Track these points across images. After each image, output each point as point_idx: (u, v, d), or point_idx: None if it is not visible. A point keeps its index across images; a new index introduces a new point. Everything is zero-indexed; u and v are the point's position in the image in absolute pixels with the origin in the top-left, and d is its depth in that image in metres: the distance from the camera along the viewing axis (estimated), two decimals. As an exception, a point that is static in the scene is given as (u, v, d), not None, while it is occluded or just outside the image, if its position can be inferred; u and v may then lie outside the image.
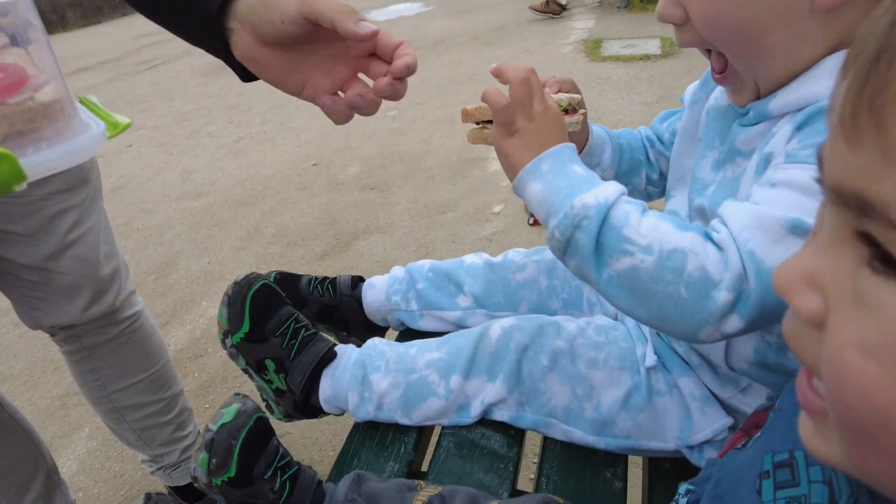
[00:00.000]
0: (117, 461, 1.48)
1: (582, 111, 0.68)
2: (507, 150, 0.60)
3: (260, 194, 2.68)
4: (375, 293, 0.91)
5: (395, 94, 0.55)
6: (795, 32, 0.50)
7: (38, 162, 0.41)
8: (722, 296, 0.47)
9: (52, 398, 1.70)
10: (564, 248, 0.55)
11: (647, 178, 0.81)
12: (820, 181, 0.26)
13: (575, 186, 0.55)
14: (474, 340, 0.74)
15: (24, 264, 0.94)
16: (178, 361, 1.73)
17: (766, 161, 0.52)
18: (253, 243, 2.29)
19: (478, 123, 0.66)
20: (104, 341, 1.07)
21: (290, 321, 0.80)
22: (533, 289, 0.86)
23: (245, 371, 0.82)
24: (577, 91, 0.74)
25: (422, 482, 0.61)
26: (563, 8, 5.02)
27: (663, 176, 0.80)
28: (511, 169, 0.60)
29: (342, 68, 0.58)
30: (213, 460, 0.59)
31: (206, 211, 2.61)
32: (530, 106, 0.59)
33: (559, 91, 0.72)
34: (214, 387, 1.64)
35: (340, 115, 0.57)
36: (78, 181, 0.94)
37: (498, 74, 0.61)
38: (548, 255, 0.88)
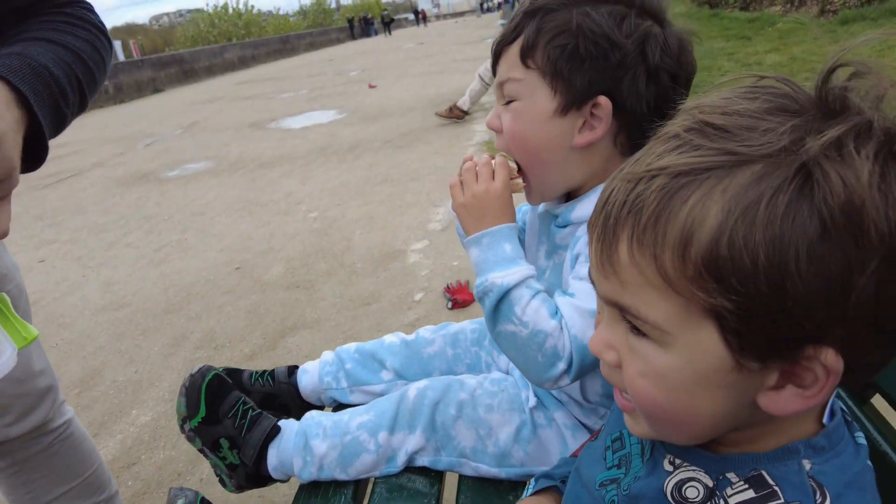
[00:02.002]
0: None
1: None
2: (461, 216, 0.82)
3: (184, 301, 2.74)
4: (309, 377, 1.07)
5: None
6: (564, 159, 0.76)
7: None
8: (561, 365, 0.71)
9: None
10: (479, 301, 0.78)
11: None
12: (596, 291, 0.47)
13: (497, 264, 0.77)
14: (396, 402, 0.91)
15: None
16: (111, 471, 1.73)
17: (575, 258, 0.76)
18: (180, 349, 2.34)
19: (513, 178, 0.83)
20: (35, 452, 1.10)
21: (239, 404, 0.94)
22: (442, 358, 1.05)
23: (201, 451, 0.94)
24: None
25: None
26: (466, 113, 5.57)
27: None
28: (464, 230, 0.82)
29: None
30: None
31: (129, 321, 2.63)
32: (475, 186, 0.81)
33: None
34: (150, 493, 1.65)
35: None
36: None
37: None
38: (452, 328, 1.08)
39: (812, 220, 0.35)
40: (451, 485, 0.91)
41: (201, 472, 1.69)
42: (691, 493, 0.44)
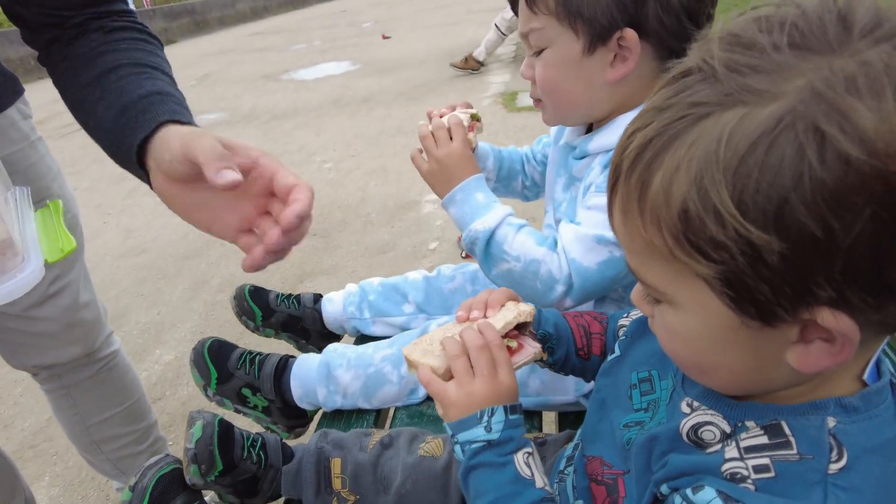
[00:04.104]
0: (82, 503, 1.53)
1: (479, 123, 0.91)
2: (431, 183, 0.86)
3: (203, 247, 2.79)
4: (334, 306, 1.10)
5: (282, 251, 0.53)
6: (596, 95, 0.77)
7: None
8: (560, 287, 0.74)
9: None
10: (470, 254, 0.82)
11: (523, 183, 1.07)
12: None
13: (474, 213, 0.81)
14: (418, 336, 0.94)
15: (7, 313, 1.02)
16: (137, 406, 1.81)
17: (587, 188, 0.78)
18: (201, 293, 2.40)
19: None
20: (84, 378, 1.17)
21: (245, 354, 0.99)
22: (461, 294, 1.07)
23: (237, 411, 0.98)
24: (471, 107, 0.95)
25: (374, 429, 0.79)
26: (481, 64, 5.46)
27: (535, 184, 1.06)
28: (437, 195, 0.85)
29: (246, 206, 0.58)
30: (202, 466, 0.72)
31: (150, 266, 2.69)
32: (436, 151, 0.84)
33: (454, 110, 0.92)
34: (176, 426, 1.73)
35: (255, 262, 0.56)
36: None
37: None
38: (471, 266, 1.10)
39: (785, 179, 0.33)
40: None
41: (223, 410, 1.75)
42: (707, 435, 0.44)
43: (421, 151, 0.87)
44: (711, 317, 0.40)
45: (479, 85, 5.11)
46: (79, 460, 1.53)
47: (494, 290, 0.66)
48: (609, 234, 0.70)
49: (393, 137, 4.02)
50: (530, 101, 0.84)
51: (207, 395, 0.98)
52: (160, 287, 2.49)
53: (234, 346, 0.99)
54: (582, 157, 0.81)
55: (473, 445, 0.55)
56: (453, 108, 0.90)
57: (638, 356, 0.59)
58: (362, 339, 1.09)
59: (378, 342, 0.98)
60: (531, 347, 0.64)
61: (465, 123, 0.86)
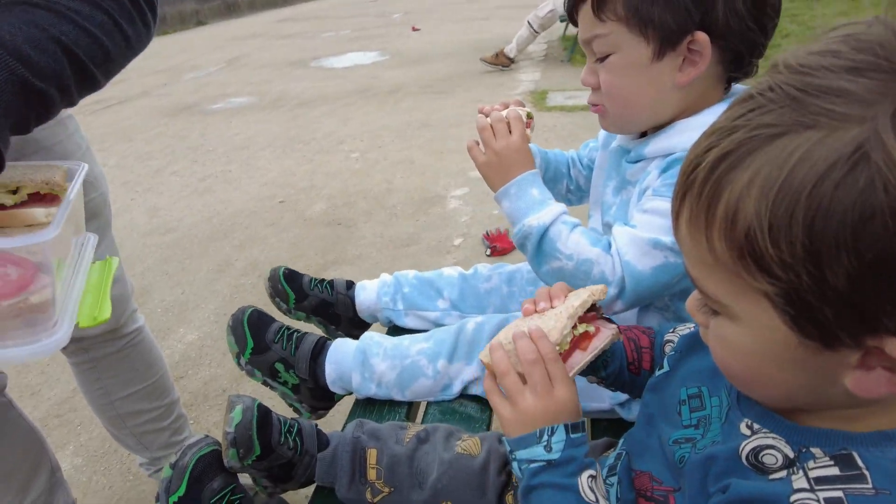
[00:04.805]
0: (104, 474, 1.56)
1: (532, 121, 0.90)
2: (486, 174, 0.85)
3: (229, 230, 2.81)
4: (367, 294, 1.11)
5: None
6: (663, 100, 0.76)
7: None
8: (612, 290, 0.73)
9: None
10: (520, 249, 0.82)
11: (567, 187, 1.06)
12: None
13: (528, 208, 0.80)
14: (455, 333, 0.94)
15: None
16: (160, 383, 1.83)
17: (643, 192, 0.77)
18: (225, 275, 2.42)
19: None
20: (109, 353, 1.19)
21: (283, 329, 0.99)
22: (497, 294, 1.07)
23: (265, 384, 0.99)
24: (524, 105, 0.95)
25: (410, 423, 0.80)
26: (512, 61, 5.43)
27: (579, 188, 1.05)
28: (490, 187, 0.85)
29: None
30: (241, 450, 0.73)
31: (175, 245, 2.71)
32: (494, 143, 0.83)
33: (508, 106, 0.91)
34: (197, 405, 1.75)
35: None
36: (89, 215, 1.03)
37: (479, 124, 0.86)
38: (509, 267, 1.09)
39: (861, 205, 0.32)
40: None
41: (244, 390, 1.77)
42: (769, 459, 0.43)
43: (478, 143, 0.87)
44: (769, 333, 0.39)
45: (509, 82, 5.08)
46: (102, 432, 1.56)
47: (554, 285, 0.65)
48: (665, 239, 0.70)
49: (419, 130, 4.02)
50: (560, 101, 0.84)
51: (239, 364, 0.99)
52: (185, 266, 2.52)
53: (273, 320, 1.00)
54: (636, 161, 0.80)
55: (533, 465, 0.54)
56: (506, 106, 0.90)
57: (687, 372, 0.58)
58: (394, 329, 1.10)
59: (415, 335, 0.98)
60: (608, 330, 0.61)
61: (524, 119, 0.86)
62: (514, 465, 0.55)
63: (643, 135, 0.83)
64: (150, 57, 9.44)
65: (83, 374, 1.22)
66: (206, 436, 0.76)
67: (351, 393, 0.96)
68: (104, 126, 4.95)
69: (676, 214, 0.43)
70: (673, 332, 0.67)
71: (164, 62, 7.78)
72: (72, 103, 0.70)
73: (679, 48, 0.71)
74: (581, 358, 0.60)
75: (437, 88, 5.09)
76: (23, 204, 0.63)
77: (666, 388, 0.59)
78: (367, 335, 0.98)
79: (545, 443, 0.54)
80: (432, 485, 0.71)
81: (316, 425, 0.80)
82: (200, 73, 6.85)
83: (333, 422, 1.58)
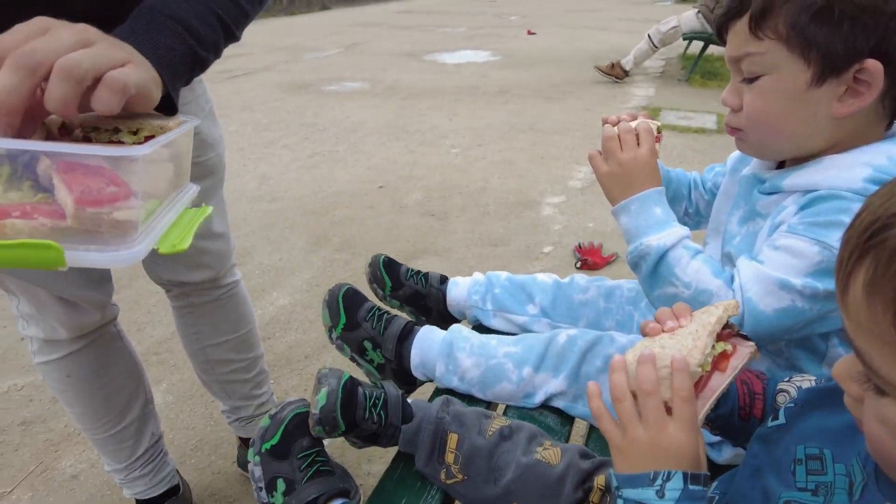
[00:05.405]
0: (190, 415, 1.67)
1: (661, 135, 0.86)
2: (607, 186, 0.83)
3: (330, 206, 2.93)
4: (458, 290, 1.11)
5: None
6: (814, 131, 0.69)
7: (78, 258, 0.47)
8: None
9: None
10: (633, 268, 0.78)
11: (686, 210, 1.01)
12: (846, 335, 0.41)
13: (649, 227, 0.77)
14: (545, 342, 0.93)
15: None
16: (250, 340, 1.94)
17: (775, 227, 0.71)
18: (321, 249, 2.52)
19: None
20: (206, 301, 1.27)
21: (375, 309, 1.02)
22: (592, 308, 1.04)
23: (352, 359, 1.02)
24: (654, 118, 0.91)
25: (495, 413, 0.80)
26: (626, 73, 5.28)
27: (698, 212, 1.00)
28: (609, 200, 0.82)
29: None
30: (326, 428, 0.76)
31: (279, 213, 2.87)
32: (620, 154, 0.80)
33: (636, 118, 0.87)
34: (279, 367, 1.84)
35: None
36: (205, 172, 1.11)
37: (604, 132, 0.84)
38: (608, 282, 1.06)
39: None
40: (577, 429, 0.93)
41: (325, 361, 1.85)
42: None
43: (600, 152, 0.84)
44: None
45: (621, 94, 4.95)
46: (192, 376, 1.67)
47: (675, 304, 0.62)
48: (795, 281, 0.65)
49: (523, 133, 4.00)
50: (673, 120, 0.80)
51: (331, 338, 1.03)
52: (285, 235, 2.65)
53: (365, 299, 1.03)
54: (771, 193, 0.75)
55: None
56: (634, 117, 0.87)
57: (808, 429, 0.54)
58: (480, 328, 1.10)
59: (503, 337, 0.97)
60: (745, 348, 0.56)
61: (654, 133, 0.82)
62: (620, 502, 0.52)
63: (781, 164, 0.78)
64: (276, 35, 9.99)
65: (182, 318, 1.30)
66: (302, 399, 0.80)
67: (432, 380, 0.98)
68: (228, 94, 5.30)
69: (848, 274, 0.38)
70: (789, 381, 0.63)
71: (288, 41, 8.22)
72: (203, 69, 0.77)
73: (843, 76, 0.65)
74: (721, 380, 0.55)
75: (546, 94, 5.05)
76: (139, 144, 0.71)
77: (779, 442, 0.55)
78: (455, 327, 0.99)
79: (658, 487, 0.49)
80: (506, 484, 0.71)
81: (402, 395, 0.82)
82: (320, 55, 7.18)
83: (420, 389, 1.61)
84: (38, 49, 0.48)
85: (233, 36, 0.78)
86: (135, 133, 0.60)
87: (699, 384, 0.55)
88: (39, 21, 0.51)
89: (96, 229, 0.48)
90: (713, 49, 5.39)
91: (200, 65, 0.72)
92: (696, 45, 5.37)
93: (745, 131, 0.74)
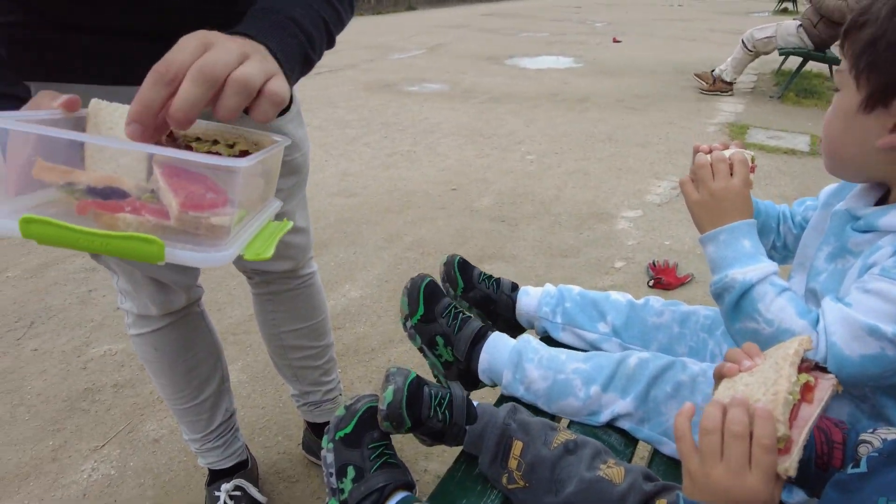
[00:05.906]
0: (261, 396, 1.77)
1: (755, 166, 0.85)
2: (696, 214, 0.83)
3: (404, 205, 3.00)
4: (529, 300, 1.12)
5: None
6: (865, 159, 0.70)
7: (175, 255, 0.50)
8: None
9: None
10: (715, 298, 0.78)
11: (773, 243, 0.98)
12: None
13: (736, 260, 0.76)
14: (615, 362, 0.92)
15: None
16: (320, 329, 2.03)
17: (867, 268, 0.69)
18: (393, 246, 2.59)
19: None
20: (285, 290, 1.34)
21: (451, 307, 1.04)
22: (666, 332, 1.03)
23: (420, 350, 1.06)
24: (745, 147, 0.90)
25: (561, 426, 0.81)
26: (730, 85, 5.13)
27: (786, 246, 0.97)
28: (698, 228, 0.82)
29: None
30: (393, 424, 0.80)
31: (356, 209, 2.97)
32: (712, 183, 0.79)
33: (728, 147, 0.87)
34: (347, 357, 1.91)
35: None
36: (289, 171, 1.16)
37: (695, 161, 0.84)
38: (684, 307, 1.04)
39: None
40: (639, 451, 0.92)
41: (391, 355, 1.90)
42: None
43: (692, 179, 0.84)
44: None
45: (706, 109, 4.77)
46: (266, 358, 1.77)
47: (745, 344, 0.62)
48: (886, 328, 0.63)
49: (601, 143, 3.94)
50: (761, 139, 0.79)
51: (405, 325, 1.06)
52: (361, 230, 2.74)
53: (444, 295, 1.06)
54: (866, 231, 0.73)
55: None
56: (726, 146, 0.85)
57: (892, 480, 0.52)
58: (548, 340, 1.10)
59: (573, 352, 0.98)
60: (826, 381, 0.55)
61: (749, 163, 0.81)
62: None
63: (882, 200, 0.74)
64: (362, 34, 10.24)
65: (261, 304, 1.38)
66: (374, 395, 0.84)
67: (496, 385, 0.99)
68: (314, 90, 5.51)
69: None
70: (872, 432, 0.60)
71: (374, 40, 8.44)
72: (309, 70, 0.81)
73: (892, 108, 0.64)
74: (810, 412, 0.54)
75: (628, 104, 4.94)
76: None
77: (858, 491, 0.53)
78: (525, 337, 1.00)
79: None
80: (567, 497, 0.72)
81: (467, 396, 0.85)
82: (403, 55, 7.33)
83: (481, 392, 1.63)
84: (218, 63, 0.51)
85: (333, 41, 0.83)
86: (231, 146, 0.65)
87: (792, 414, 0.54)
88: (203, 36, 0.54)
89: (194, 231, 0.53)
90: (811, 65, 5.10)
91: (308, 68, 0.77)
92: (793, 61, 5.11)
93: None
